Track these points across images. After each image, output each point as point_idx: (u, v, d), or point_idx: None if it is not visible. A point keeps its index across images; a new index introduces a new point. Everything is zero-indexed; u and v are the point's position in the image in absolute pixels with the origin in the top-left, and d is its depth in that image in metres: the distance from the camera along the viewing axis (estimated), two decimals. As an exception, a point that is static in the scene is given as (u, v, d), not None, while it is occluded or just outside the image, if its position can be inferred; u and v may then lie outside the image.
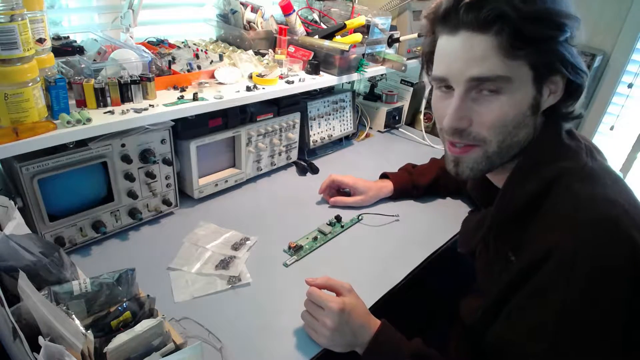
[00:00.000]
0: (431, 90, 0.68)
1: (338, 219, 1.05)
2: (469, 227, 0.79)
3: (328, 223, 1.04)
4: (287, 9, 1.22)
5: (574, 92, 0.60)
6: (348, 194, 1.14)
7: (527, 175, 0.62)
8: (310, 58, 1.21)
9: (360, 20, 1.27)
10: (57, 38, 1.01)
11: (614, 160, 1.49)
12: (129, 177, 0.90)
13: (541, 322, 0.55)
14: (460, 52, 0.58)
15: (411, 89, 1.62)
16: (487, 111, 0.59)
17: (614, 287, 0.52)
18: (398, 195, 1.16)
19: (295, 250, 0.94)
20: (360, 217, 1.08)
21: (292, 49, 1.23)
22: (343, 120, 1.45)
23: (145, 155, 0.91)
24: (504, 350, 0.60)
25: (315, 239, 0.99)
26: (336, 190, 1.15)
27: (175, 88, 0.98)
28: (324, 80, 1.21)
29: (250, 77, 1.09)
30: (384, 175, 1.19)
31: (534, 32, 0.54)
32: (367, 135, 1.57)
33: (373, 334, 0.70)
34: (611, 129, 1.47)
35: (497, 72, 0.56)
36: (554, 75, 0.58)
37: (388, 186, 1.15)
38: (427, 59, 0.67)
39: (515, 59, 0.56)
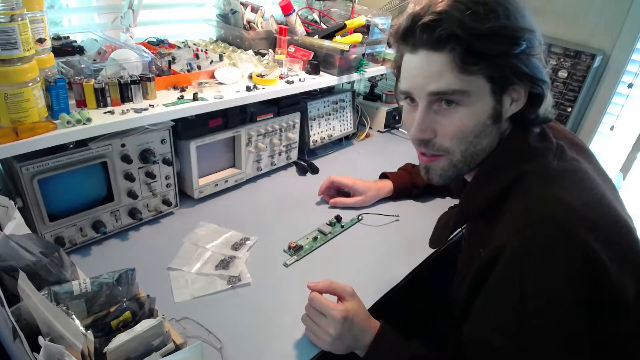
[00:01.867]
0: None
1: (338, 219, 1.05)
2: (441, 224, 0.82)
3: (328, 223, 1.04)
4: (287, 9, 1.22)
5: (535, 100, 0.62)
6: (348, 195, 1.14)
7: (488, 178, 0.64)
8: (310, 58, 1.21)
9: (360, 20, 1.27)
10: (57, 38, 1.01)
11: (614, 161, 1.49)
12: (129, 177, 0.90)
13: (502, 319, 0.57)
14: (420, 69, 0.62)
15: (411, 89, 1.62)
16: (448, 123, 0.62)
17: (561, 283, 0.54)
18: (398, 195, 1.16)
19: (295, 250, 0.94)
20: (360, 217, 1.08)
21: (292, 49, 1.23)
22: (343, 120, 1.45)
23: (145, 155, 0.91)
24: (473, 349, 0.61)
25: (315, 239, 0.99)
26: (335, 191, 1.16)
27: (175, 88, 0.98)
28: (324, 80, 1.21)
29: (250, 77, 1.09)
30: (384, 175, 1.19)
31: (485, 49, 0.57)
32: (367, 135, 1.57)
33: (373, 337, 0.70)
34: (611, 129, 1.47)
35: (454, 86, 0.59)
36: (514, 85, 0.60)
37: (388, 186, 1.15)
38: (398, 74, 0.70)
39: (470, 74, 0.59)
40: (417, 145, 0.67)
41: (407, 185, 1.16)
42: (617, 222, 0.58)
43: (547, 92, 0.62)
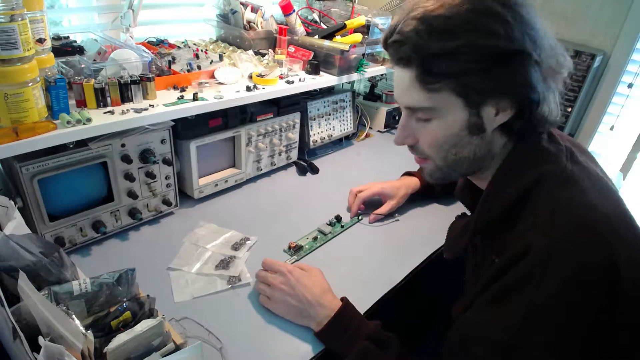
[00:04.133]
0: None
1: (338, 219, 1.05)
2: (454, 233, 0.80)
3: (328, 223, 1.04)
4: (287, 9, 1.22)
5: (525, 110, 0.60)
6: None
7: (507, 181, 0.63)
8: (310, 58, 1.21)
9: (360, 20, 1.27)
10: (57, 38, 1.01)
11: (614, 160, 1.49)
12: (129, 177, 0.90)
13: (507, 313, 0.55)
14: (396, 82, 0.65)
15: (411, 89, 1.62)
16: (424, 133, 0.65)
17: (586, 290, 0.52)
18: (424, 190, 1.14)
19: (295, 250, 0.94)
20: (360, 217, 1.08)
21: (292, 49, 1.23)
22: (343, 120, 1.45)
23: (145, 155, 0.91)
24: (464, 333, 0.60)
25: (315, 239, 0.99)
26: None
27: (175, 88, 0.98)
28: (324, 80, 1.21)
29: (250, 77, 1.09)
30: (407, 173, 1.17)
31: (444, 68, 0.57)
32: (367, 135, 1.57)
33: (331, 312, 0.73)
34: (611, 129, 1.47)
35: (421, 103, 0.62)
36: (495, 99, 0.59)
37: (414, 181, 1.13)
38: None
39: (433, 91, 0.60)
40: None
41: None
42: (633, 224, 0.58)
43: (537, 106, 0.60)
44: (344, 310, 0.74)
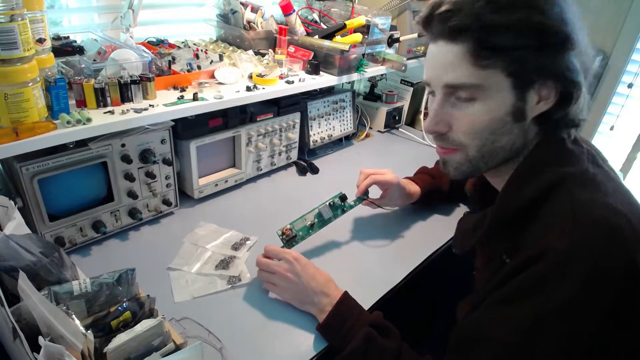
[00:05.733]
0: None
1: (342, 198, 0.97)
2: (465, 228, 0.79)
3: (331, 203, 0.96)
4: (287, 9, 1.22)
5: (565, 101, 0.59)
6: None
7: (527, 179, 0.61)
8: (310, 58, 1.21)
9: (360, 20, 1.27)
10: (57, 38, 1.01)
11: (614, 161, 1.49)
12: (129, 177, 0.90)
13: (520, 316, 0.54)
14: (437, 59, 0.61)
15: (411, 89, 1.62)
16: (462, 117, 0.61)
17: (603, 294, 0.51)
18: (424, 199, 1.10)
19: (288, 240, 0.90)
20: (365, 197, 1.02)
21: (292, 49, 1.23)
22: (343, 120, 1.45)
23: (145, 155, 0.91)
24: (471, 332, 0.59)
25: (312, 226, 0.93)
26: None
27: (175, 88, 0.98)
28: (324, 80, 1.21)
29: (250, 77, 1.09)
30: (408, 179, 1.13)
31: (502, 42, 0.55)
32: (367, 135, 1.57)
33: (334, 300, 0.75)
34: (611, 129, 1.47)
35: (468, 80, 0.58)
36: (541, 82, 0.58)
37: (416, 190, 1.09)
38: None
39: (485, 67, 0.57)
40: (433, 138, 0.67)
41: (432, 189, 1.10)
42: None
43: (579, 94, 0.59)
44: (345, 298, 0.75)
